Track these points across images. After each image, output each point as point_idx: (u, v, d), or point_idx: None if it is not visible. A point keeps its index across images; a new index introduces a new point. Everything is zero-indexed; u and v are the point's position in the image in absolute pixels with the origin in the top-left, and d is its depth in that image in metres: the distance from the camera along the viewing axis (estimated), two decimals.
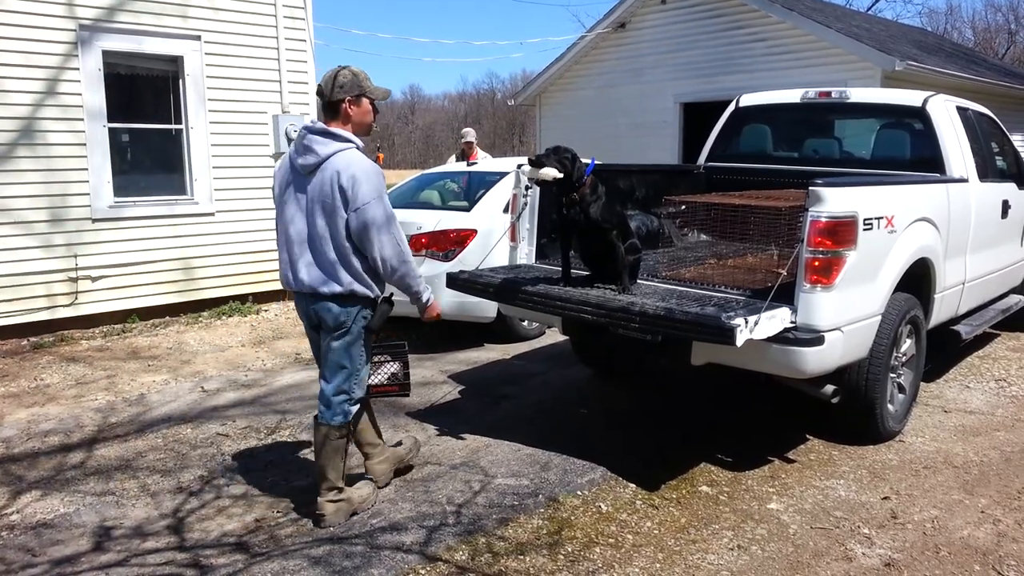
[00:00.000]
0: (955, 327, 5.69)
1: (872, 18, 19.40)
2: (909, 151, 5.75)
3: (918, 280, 4.83)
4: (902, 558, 3.38)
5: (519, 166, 5.00)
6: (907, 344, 4.79)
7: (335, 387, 3.56)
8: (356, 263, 3.42)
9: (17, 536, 3.59)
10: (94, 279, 7.54)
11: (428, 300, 3.68)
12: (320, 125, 3.48)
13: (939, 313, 5.26)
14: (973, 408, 5.31)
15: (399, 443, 4.20)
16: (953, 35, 36.36)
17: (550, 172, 4.01)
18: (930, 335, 5.24)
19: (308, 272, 3.45)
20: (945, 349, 5.91)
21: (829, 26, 12.47)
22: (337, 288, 3.42)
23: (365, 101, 3.51)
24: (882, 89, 6.83)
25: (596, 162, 4.36)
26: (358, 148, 3.47)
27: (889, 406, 4.64)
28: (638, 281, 4.45)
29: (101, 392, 5.74)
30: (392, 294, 3.64)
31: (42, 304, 7.27)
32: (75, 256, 7.40)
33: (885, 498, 3.94)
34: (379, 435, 3.97)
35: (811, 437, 4.72)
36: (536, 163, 4.06)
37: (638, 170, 6.23)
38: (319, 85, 3.53)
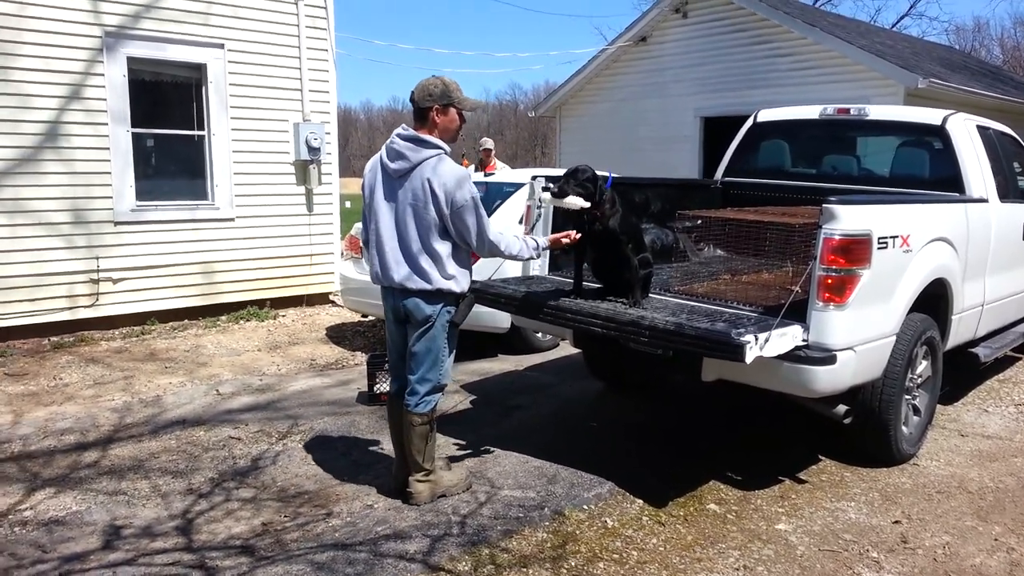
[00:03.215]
0: (974, 349, 5.61)
1: (896, 35, 19.31)
2: (928, 170, 5.70)
3: (935, 301, 4.78)
4: None
5: (533, 177, 5.02)
6: (923, 365, 4.74)
7: (419, 376, 3.80)
8: (445, 262, 3.66)
9: (29, 532, 3.64)
10: (115, 281, 7.64)
11: (541, 246, 3.97)
12: (411, 132, 3.68)
13: (957, 335, 5.20)
14: (991, 433, 5.24)
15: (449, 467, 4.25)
16: (981, 53, 36.02)
17: (576, 202, 4.02)
18: (948, 357, 5.19)
19: (398, 270, 3.67)
20: (964, 372, 5.83)
21: (851, 42, 12.42)
22: (426, 285, 3.65)
23: (452, 110, 3.70)
24: (901, 107, 6.78)
25: (614, 176, 4.35)
26: (446, 154, 3.67)
27: (904, 428, 4.59)
28: (650, 295, 4.44)
29: (118, 393, 5.81)
30: (474, 289, 3.90)
31: (63, 305, 7.37)
32: (97, 258, 7.51)
33: (896, 522, 3.89)
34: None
35: (823, 458, 4.68)
36: (559, 193, 4.05)
37: (654, 184, 6.23)
38: (412, 92, 3.72)
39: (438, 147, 3.65)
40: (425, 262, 3.64)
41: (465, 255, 3.77)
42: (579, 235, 4.11)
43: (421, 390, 3.80)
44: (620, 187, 5.52)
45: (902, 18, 46.49)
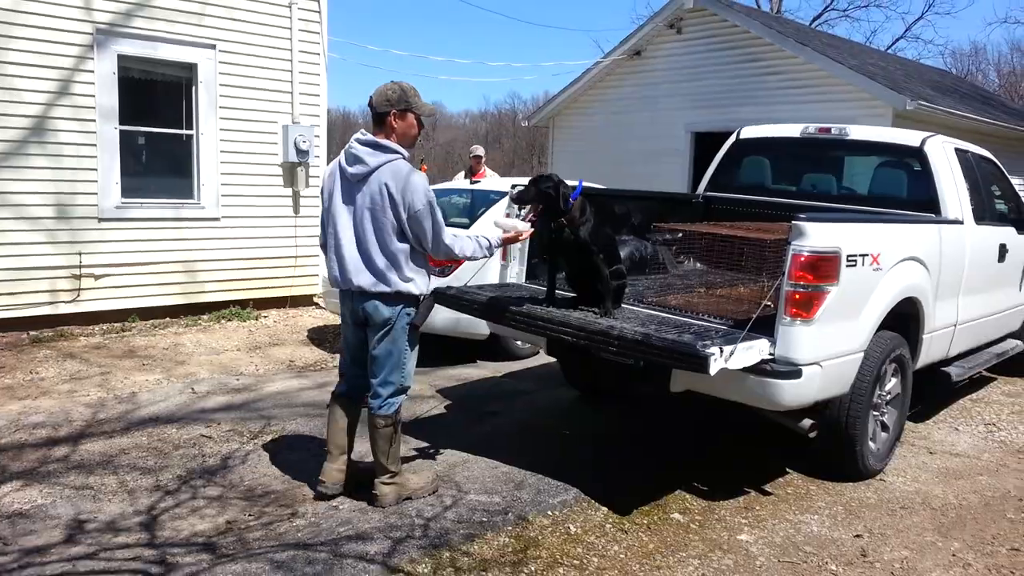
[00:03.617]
0: (946, 368, 5.67)
1: (890, 56, 19.46)
2: (906, 190, 5.77)
3: (906, 319, 4.83)
4: None
5: (513, 186, 5.05)
6: (892, 383, 4.78)
7: (382, 379, 3.83)
8: (403, 265, 3.71)
9: None
10: (97, 277, 7.64)
11: (494, 244, 4.00)
12: (369, 137, 3.73)
13: (928, 353, 5.24)
14: (959, 451, 5.28)
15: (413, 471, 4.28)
16: (978, 78, 36.27)
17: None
18: (920, 375, 5.23)
19: (357, 273, 3.71)
20: (936, 390, 5.88)
21: (842, 62, 12.53)
22: (385, 288, 3.70)
23: (411, 115, 3.76)
24: (882, 128, 6.86)
25: (584, 184, 4.39)
26: (404, 158, 3.71)
27: (871, 444, 4.63)
28: (623, 306, 4.48)
29: (94, 388, 5.81)
30: (433, 291, 3.96)
31: (44, 299, 7.37)
32: (80, 254, 7.51)
33: (857, 536, 3.93)
34: (350, 445, 4.06)
35: (791, 471, 4.71)
36: (517, 199, 4.21)
37: (636, 196, 6.28)
38: (370, 97, 3.76)
39: (396, 151, 3.69)
40: (383, 265, 3.68)
41: (422, 257, 3.81)
42: (531, 231, 4.15)
43: (384, 393, 3.84)
44: (600, 198, 5.58)
45: (897, 40, 46.73)
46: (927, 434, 5.58)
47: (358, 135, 3.77)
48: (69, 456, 4.50)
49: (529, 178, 4.36)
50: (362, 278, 3.70)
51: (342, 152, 3.80)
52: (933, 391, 5.86)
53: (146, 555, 3.40)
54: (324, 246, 3.89)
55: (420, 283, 3.79)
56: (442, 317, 6.06)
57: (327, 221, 3.83)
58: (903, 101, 11.50)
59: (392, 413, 3.85)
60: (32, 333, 7.25)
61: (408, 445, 4.79)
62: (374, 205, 3.64)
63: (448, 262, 5.04)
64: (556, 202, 4.08)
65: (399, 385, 3.86)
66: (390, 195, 3.61)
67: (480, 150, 10.48)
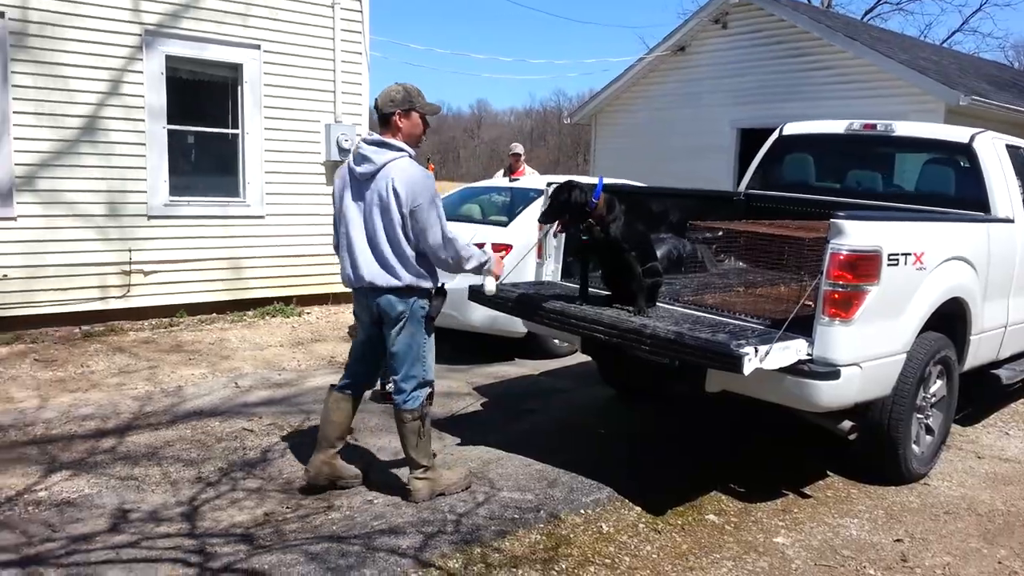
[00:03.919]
0: (996, 371, 5.51)
1: (944, 51, 18.96)
2: (954, 188, 5.62)
3: (952, 320, 4.71)
4: None
5: (549, 184, 5.05)
6: (937, 385, 4.67)
7: (404, 374, 3.88)
8: (412, 259, 3.75)
9: (42, 512, 3.77)
10: (146, 273, 7.83)
11: (487, 262, 3.99)
12: (375, 136, 3.83)
13: (976, 355, 5.10)
14: (1009, 456, 5.14)
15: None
16: None
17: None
18: (969, 378, 5.10)
19: (368, 269, 3.76)
20: (986, 393, 5.73)
21: (892, 57, 12.26)
22: (396, 282, 3.74)
23: (415, 115, 3.84)
24: (930, 124, 6.67)
25: (605, 181, 4.35)
26: (410, 156, 3.77)
27: (914, 447, 4.53)
28: (659, 304, 4.45)
29: (141, 382, 5.97)
30: (444, 284, 3.98)
31: (95, 295, 7.58)
32: (130, 250, 7.71)
33: (898, 540, 3.85)
34: (342, 437, 4.11)
35: (831, 473, 4.64)
36: (542, 219, 4.35)
37: (675, 194, 6.22)
38: (376, 99, 3.86)
39: (402, 150, 3.76)
40: (393, 260, 3.73)
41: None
42: (502, 264, 4.21)
43: (407, 387, 3.88)
44: (639, 196, 5.55)
45: (953, 33, 45.56)
46: (975, 438, 5.44)
47: (365, 135, 3.88)
48: (116, 447, 4.64)
49: (578, 177, 4.38)
50: (374, 274, 3.75)
51: (351, 154, 3.86)
52: (982, 394, 5.71)
53: (186, 544, 3.49)
54: (337, 247, 3.95)
55: (431, 277, 3.84)
56: (479, 315, 6.10)
57: (339, 222, 3.89)
58: (956, 96, 11.21)
59: (418, 407, 3.89)
60: (84, 327, 7.47)
61: (444, 442, 4.83)
62: (382, 202, 3.69)
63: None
64: (577, 208, 4.10)
65: (421, 379, 3.90)
66: (395, 191, 3.66)
67: (519, 148, 10.44)
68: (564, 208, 4.14)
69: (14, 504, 3.84)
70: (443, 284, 3.97)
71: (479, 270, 4.01)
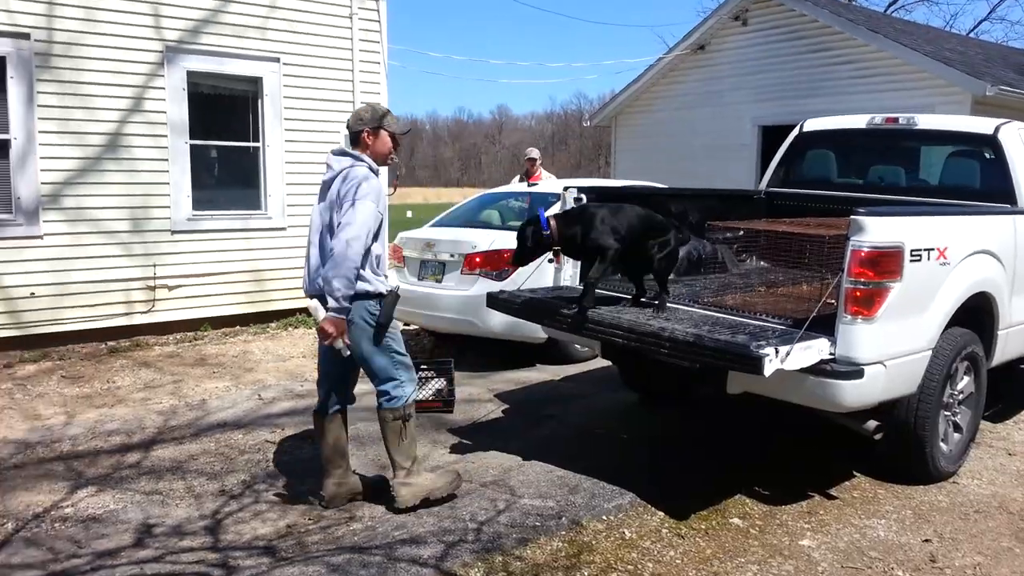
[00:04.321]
0: None
1: (970, 41, 18.66)
2: (979, 180, 5.52)
3: (979, 315, 4.62)
4: None
5: (565, 188, 5.04)
6: (964, 381, 4.58)
7: (378, 379, 3.90)
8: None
9: (68, 528, 3.81)
10: (170, 288, 7.93)
11: (328, 313, 3.62)
12: (341, 147, 3.96)
13: (1004, 351, 5.00)
14: None
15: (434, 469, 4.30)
16: None
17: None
18: (999, 374, 5.00)
19: (316, 275, 3.78)
20: (1015, 389, 5.62)
21: (916, 49, 12.07)
22: None
23: (384, 133, 3.93)
24: (953, 116, 6.57)
25: (545, 213, 4.28)
26: (370, 168, 3.83)
27: (942, 445, 4.44)
28: (679, 307, 4.41)
29: (166, 396, 6.03)
30: (398, 287, 3.99)
31: (121, 310, 7.68)
32: (154, 266, 7.81)
33: (926, 540, 3.77)
34: (344, 455, 4.09)
35: (857, 474, 4.56)
36: (516, 264, 4.44)
37: (695, 194, 6.17)
38: (347, 120, 3.99)
39: (360, 159, 3.83)
40: None
41: (375, 256, 3.77)
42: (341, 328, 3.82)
43: (383, 389, 3.90)
44: (659, 197, 5.52)
45: (980, 22, 44.83)
46: (1006, 435, 5.32)
47: (333, 148, 3.96)
48: (141, 462, 4.68)
49: (593, 181, 4.40)
50: (320, 280, 3.70)
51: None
52: (1012, 390, 5.59)
53: (209, 558, 3.50)
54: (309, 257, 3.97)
55: (375, 282, 3.76)
56: (498, 321, 6.09)
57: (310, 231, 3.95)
58: (982, 87, 11.00)
59: (398, 407, 3.88)
60: (110, 343, 7.57)
61: (465, 448, 4.82)
62: (331, 206, 3.75)
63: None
64: (538, 243, 4.22)
65: (388, 377, 3.87)
66: (338, 192, 3.72)
67: (535, 152, 10.38)
68: (531, 250, 4.27)
69: (41, 521, 3.89)
70: (397, 287, 4.01)
71: (336, 302, 3.58)
